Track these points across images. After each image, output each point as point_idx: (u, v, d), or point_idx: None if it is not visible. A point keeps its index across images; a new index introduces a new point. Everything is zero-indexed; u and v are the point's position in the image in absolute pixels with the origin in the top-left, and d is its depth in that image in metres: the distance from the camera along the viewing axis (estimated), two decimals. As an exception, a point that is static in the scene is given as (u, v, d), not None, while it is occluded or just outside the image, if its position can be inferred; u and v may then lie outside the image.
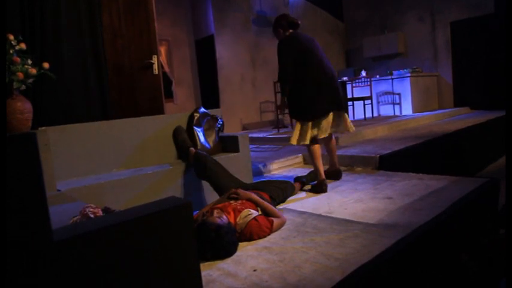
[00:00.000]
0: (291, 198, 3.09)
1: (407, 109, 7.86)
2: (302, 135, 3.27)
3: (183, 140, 3.15)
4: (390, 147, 4.40)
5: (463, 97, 8.36)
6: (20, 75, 2.34)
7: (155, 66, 3.93)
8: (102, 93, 3.58)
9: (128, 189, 2.62)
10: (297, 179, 3.43)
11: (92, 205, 1.70)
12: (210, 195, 2.93)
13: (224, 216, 2.12)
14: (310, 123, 3.23)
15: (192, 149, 3.05)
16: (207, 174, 2.83)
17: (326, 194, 3.14)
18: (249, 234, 2.17)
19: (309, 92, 3.16)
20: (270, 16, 8.43)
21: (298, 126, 3.30)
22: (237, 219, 2.22)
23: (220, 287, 1.69)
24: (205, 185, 2.97)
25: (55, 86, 3.12)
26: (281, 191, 2.90)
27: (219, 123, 3.45)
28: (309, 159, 3.49)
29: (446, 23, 8.40)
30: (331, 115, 3.26)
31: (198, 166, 2.89)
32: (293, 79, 3.18)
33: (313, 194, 3.18)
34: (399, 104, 7.98)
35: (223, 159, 3.16)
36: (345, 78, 7.46)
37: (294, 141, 3.30)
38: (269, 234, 2.23)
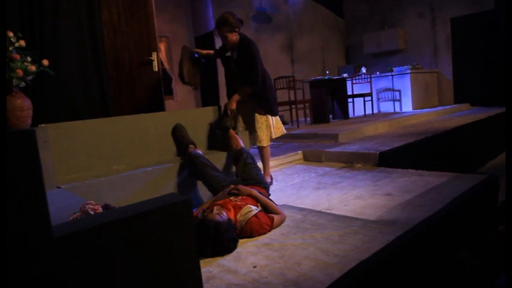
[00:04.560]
0: (291, 194, 3.10)
1: (407, 106, 7.86)
2: (269, 133, 3.34)
3: (182, 137, 3.15)
4: (390, 144, 4.40)
5: (463, 93, 8.35)
6: (20, 72, 2.34)
7: (155, 63, 3.92)
8: (102, 90, 3.58)
9: (128, 186, 2.63)
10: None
11: (91, 202, 1.70)
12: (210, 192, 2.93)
13: (224, 213, 2.12)
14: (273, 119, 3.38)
15: (191, 146, 3.05)
16: (199, 175, 2.83)
17: (326, 190, 3.15)
18: (249, 231, 2.18)
19: (273, 88, 3.45)
20: (269, 13, 8.41)
21: (267, 122, 3.32)
22: (238, 216, 2.22)
23: (220, 284, 1.70)
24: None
25: (55, 83, 3.12)
26: (261, 175, 2.90)
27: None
28: (264, 160, 3.44)
29: (447, 19, 8.38)
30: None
31: (189, 165, 2.90)
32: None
33: (312, 189, 3.20)
34: (399, 100, 7.97)
35: (222, 157, 3.16)
36: (345, 75, 7.45)
37: (267, 141, 3.35)
38: (269, 231, 2.24)
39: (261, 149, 3.38)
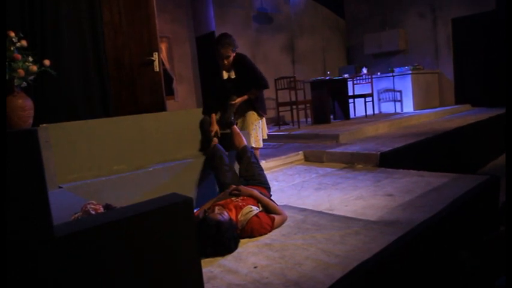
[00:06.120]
0: (292, 194, 3.09)
1: (408, 106, 7.85)
2: (260, 135, 3.47)
3: (206, 130, 3.30)
4: (391, 145, 4.40)
5: (464, 94, 8.34)
6: (21, 72, 2.34)
7: (156, 63, 3.92)
8: (103, 90, 3.58)
9: (129, 186, 2.63)
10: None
11: (93, 202, 1.71)
12: (211, 192, 2.94)
13: (225, 213, 2.12)
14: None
15: (216, 139, 3.18)
16: (213, 167, 2.90)
17: (327, 190, 3.15)
18: (250, 230, 2.18)
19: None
20: (270, 13, 8.41)
21: (260, 125, 3.46)
22: (239, 216, 2.22)
23: (221, 284, 1.70)
24: (206, 182, 2.98)
25: (56, 83, 3.12)
26: (263, 175, 2.92)
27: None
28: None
29: (448, 19, 8.37)
30: None
31: (210, 155, 2.99)
32: None
33: (313, 190, 3.19)
34: (400, 101, 7.97)
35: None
36: (345, 76, 7.44)
37: (259, 142, 3.46)
38: (270, 231, 2.24)
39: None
